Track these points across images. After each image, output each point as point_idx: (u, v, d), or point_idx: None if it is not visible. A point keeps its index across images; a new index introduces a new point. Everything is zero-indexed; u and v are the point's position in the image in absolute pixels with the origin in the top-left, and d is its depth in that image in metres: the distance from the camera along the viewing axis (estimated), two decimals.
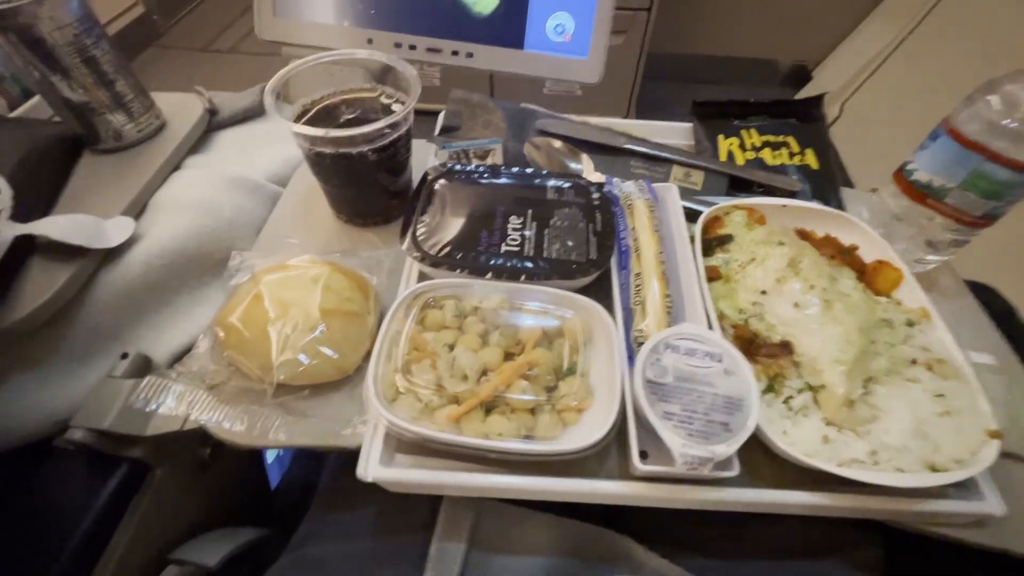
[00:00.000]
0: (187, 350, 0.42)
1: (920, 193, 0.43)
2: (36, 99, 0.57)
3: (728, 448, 0.29)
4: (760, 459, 0.34)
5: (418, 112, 0.44)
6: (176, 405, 0.32)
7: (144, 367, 0.40)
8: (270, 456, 0.60)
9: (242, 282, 0.40)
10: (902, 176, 0.45)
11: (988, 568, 0.36)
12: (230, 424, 0.32)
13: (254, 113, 0.61)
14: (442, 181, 0.46)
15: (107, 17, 2.16)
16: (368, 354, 0.38)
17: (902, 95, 1.66)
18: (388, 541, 0.39)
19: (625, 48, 1.69)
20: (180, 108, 0.57)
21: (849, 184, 1.59)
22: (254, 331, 0.35)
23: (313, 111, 0.45)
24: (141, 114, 0.52)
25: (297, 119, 0.44)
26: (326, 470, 0.50)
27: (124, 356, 0.39)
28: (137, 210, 0.47)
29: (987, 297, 0.50)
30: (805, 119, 0.56)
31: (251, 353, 0.35)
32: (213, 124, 0.59)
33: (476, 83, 1.62)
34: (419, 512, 0.40)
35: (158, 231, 0.45)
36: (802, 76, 2.13)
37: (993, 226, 0.43)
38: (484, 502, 0.38)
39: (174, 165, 0.52)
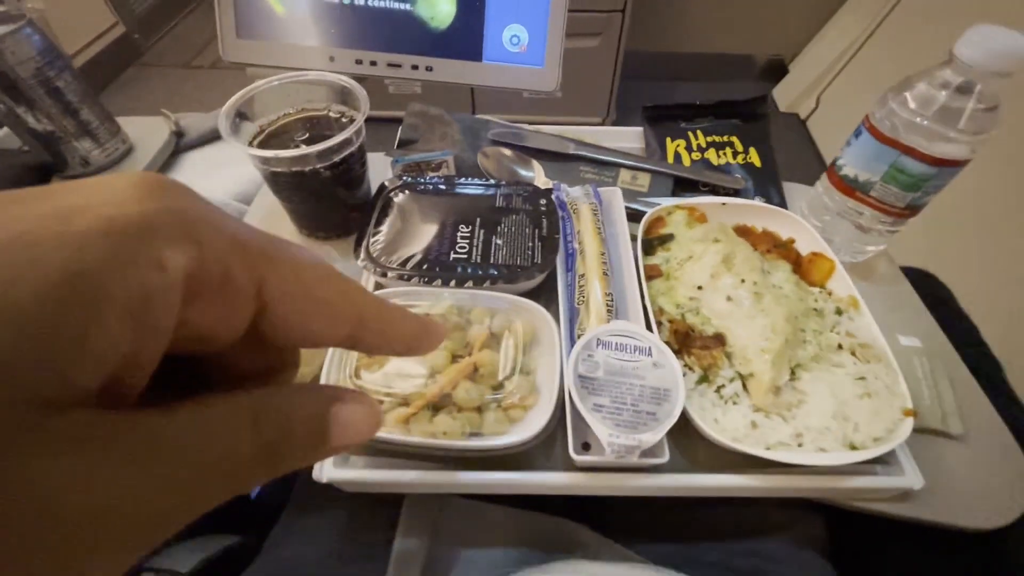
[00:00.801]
0: None
1: (848, 187, 0.45)
2: (4, 131, 0.59)
3: (654, 436, 0.32)
4: (697, 446, 0.36)
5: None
6: None
7: None
8: None
9: None
10: (833, 172, 0.47)
11: (924, 538, 0.38)
12: None
13: (220, 134, 0.63)
14: (397, 193, 0.48)
15: (88, 38, 2.18)
16: (323, 365, 0.40)
17: (876, 84, 1.68)
18: (355, 541, 0.41)
19: (601, 50, 1.71)
20: (147, 132, 0.58)
21: (825, 161, 1.61)
22: None
23: (269, 131, 0.47)
24: (107, 140, 0.54)
25: (254, 140, 0.46)
26: (299, 479, 0.52)
27: None
28: None
29: (925, 283, 0.52)
30: (748, 118, 0.58)
31: None
32: (181, 146, 0.60)
33: (457, 92, 1.64)
34: (386, 512, 0.42)
35: None
36: (779, 69, 2.16)
37: (934, 216, 0.45)
38: (447, 498, 0.40)
39: None
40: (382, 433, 0.34)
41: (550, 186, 0.51)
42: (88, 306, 0.09)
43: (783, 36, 2.13)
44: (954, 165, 0.40)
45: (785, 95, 2.08)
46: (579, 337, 0.40)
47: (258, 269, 0.12)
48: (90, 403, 0.10)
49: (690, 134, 0.57)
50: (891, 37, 1.73)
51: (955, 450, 0.39)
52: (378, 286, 0.43)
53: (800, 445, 0.35)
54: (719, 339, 0.39)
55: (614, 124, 1.94)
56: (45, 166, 0.53)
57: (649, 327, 0.39)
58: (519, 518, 0.41)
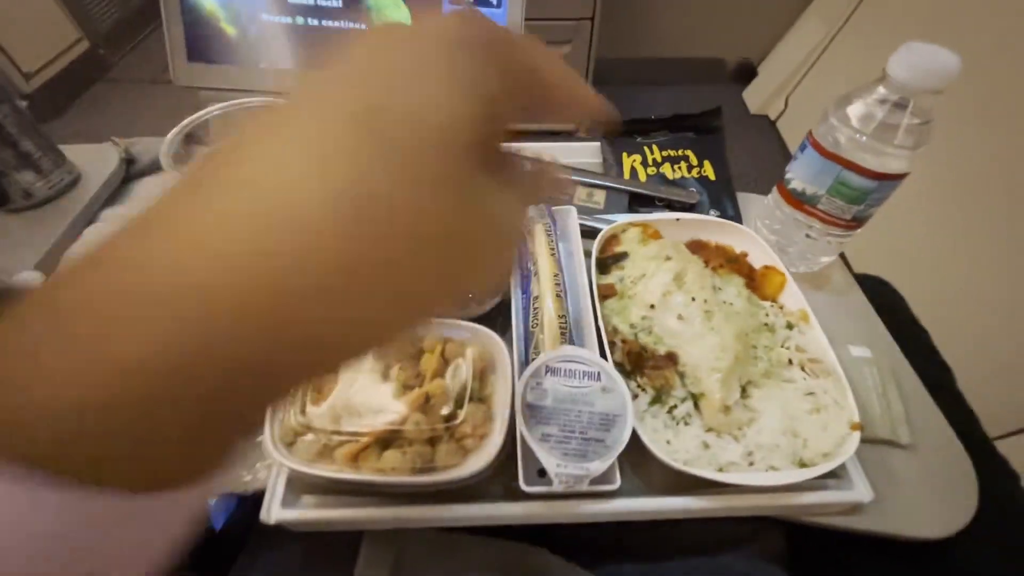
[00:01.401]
0: None
1: (797, 200, 0.46)
2: None
3: (602, 464, 0.31)
4: (650, 468, 0.36)
5: None
6: None
7: None
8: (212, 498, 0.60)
9: None
10: (783, 185, 0.48)
11: (883, 548, 0.38)
12: None
13: (178, 159, 0.62)
14: None
15: (52, 54, 2.12)
16: None
17: (843, 84, 1.71)
18: (316, 575, 0.40)
19: (572, 57, 1.72)
20: (95, 160, 0.57)
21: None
22: None
23: None
24: (51, 170, 0.52)
25: None
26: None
27: None
28: (50, 267, 0.47)
29: (880, 290, 0.53)
30: (703, 131, 0.58)
31: None
32: (132, 173, 0.59)
33: None
34: (347, 544, 0.41)
35: None
36: (748, 72, 2.19)
37: (888, 223, 0.45)
38: (408, 531, 0.39)
39: (88, 219, 0.52)
40: (330, 471, 0.33)
41: None
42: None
43: (751, 39, 2.16)
44: (894, 179, 0.41)
45: (755, 97, 2.11)
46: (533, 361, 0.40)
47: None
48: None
49: (646, 148, 0.57)
50: (856, 37, 1.77)
51: (905, 459, 0.39)
52: None
53: (751, 464, 0.35)
54: (671, 358, 0.39)
55: (588, 131, 1.95)
56: None
57: (602, 348, 0.39)
58: (481, 545, 0.41)
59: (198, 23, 0.61)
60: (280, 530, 0.46)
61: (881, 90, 0.39)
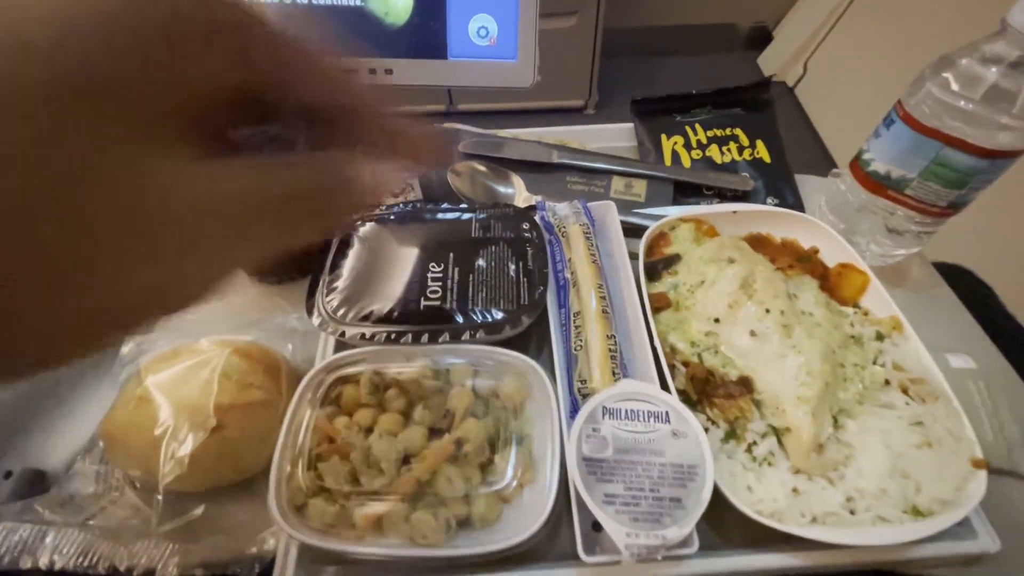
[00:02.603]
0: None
1: (878, 185, 0.39)
2: None
3: (681, 531, 0.26)
4: (727, 518, 0.30)
5: None
6: (39, 554, 0.28)
7: (35, 483, 0.35)
8: None
9: (131, 374, 0.35)
10: (859, 167, 0.40)
11: None
12: (106, 567, 0.27)
13: None
14: (356, 227, 0.41)
15: None
16: None
17: (865, 45, 1.62)
18: None
19: (578, 29, 1.63)
20: None
21: (825, 157, 1.53)
22: (139, 441, 0.31)
23: None
24: None
25: None
26: None
27: (7, 475, 0.35)
28: None
29: (962, 281, 0.46)
30: (752, 107, 0.51)
31: (137, 467, 0.31)
32: None
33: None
34: None
35: None
36: (763, 37, 2.08)
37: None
38: None
39: None
40: (347, 544, 0.28)
41: (533, 203, 0.45)
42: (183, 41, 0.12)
43: (765, 1, 2.05)
44: (1009, 156, 0.34)
45: (771, 63, 2.00)
46: (579, 392, 0.34)
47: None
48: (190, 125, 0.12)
49: (688, 129, 0.50)
50: None
51: None
52: (339, 347, 0.37)
53: (852, 512, 0.29)
54: (745, 384, 0.33)
55: (597, 106, 1.86)
56: None
57: (661, 373, 0.33)
58: None
59: None
60: None
61: (998, 46, 0.32)
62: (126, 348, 0.38)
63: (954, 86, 0.34)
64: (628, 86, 1.97)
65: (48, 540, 0.28)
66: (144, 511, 0.29)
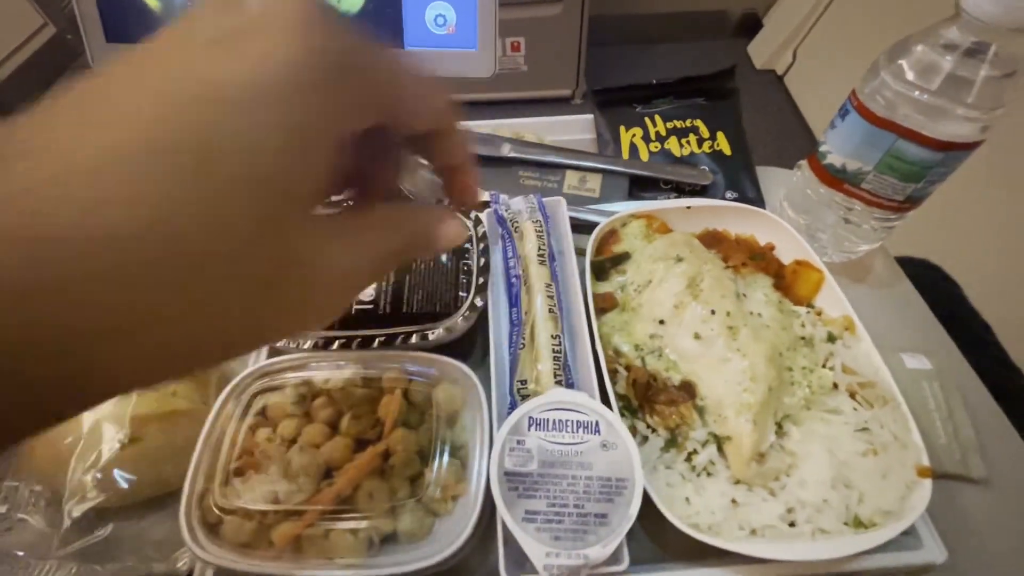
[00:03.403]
0: None
1: (835, 179, 0.37)
2: None
3: (604, 549, 0.24)
4: (666, 531, 0.29)
5: None
6: None
7: None
8: None
9: None
10: (816, 160, 0.39)
11: None
12: None
13: None
14: None
15: (16, 41, 2.01)
16: None
17: (854, 34, 1.60)
18: None
19: (564, 17, 1.59)
20: None
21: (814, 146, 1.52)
22: (47, 454, 0.29)
23: None
24: None
25: None
26: None
27: None
28: None
29: (928, 276, 0.45)
30: (715, 96, 0.49)
31: (45, 482, 0.29)
32: None
33: None
34: None
35: None
36: (753, 24, 2.05)
37: (938, 191, 0.37)
38: None
39: None
40: (258, 565, 0.26)
41: (484, 198, 0.43)
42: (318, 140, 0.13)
43: None
44: (965, 148, 0.32)
45: (761, 51, 1.98)
46: (518, 393, 0.33)
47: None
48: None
49: (647, 120, 0.48)
50: None
51: (979, 497, 0.32)
52: (273, 351, 0.35)
53: (792, 524, 0.28)
54: (688, 389, 0.31)
55: (584, 96, 1.83)
56: None
57: (600, 377, 0.32)
58: None
59: None
60: None
61: (952, 32, 0.30)
62: None
63: (909, 75, 0.32)
64: (616, 75, 1.95)
65: None
66: (47, 532, 0.28)
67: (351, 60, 0.13)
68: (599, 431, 0.27)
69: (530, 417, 0.27)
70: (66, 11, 2.19)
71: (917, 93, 0.32)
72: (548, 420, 0.27)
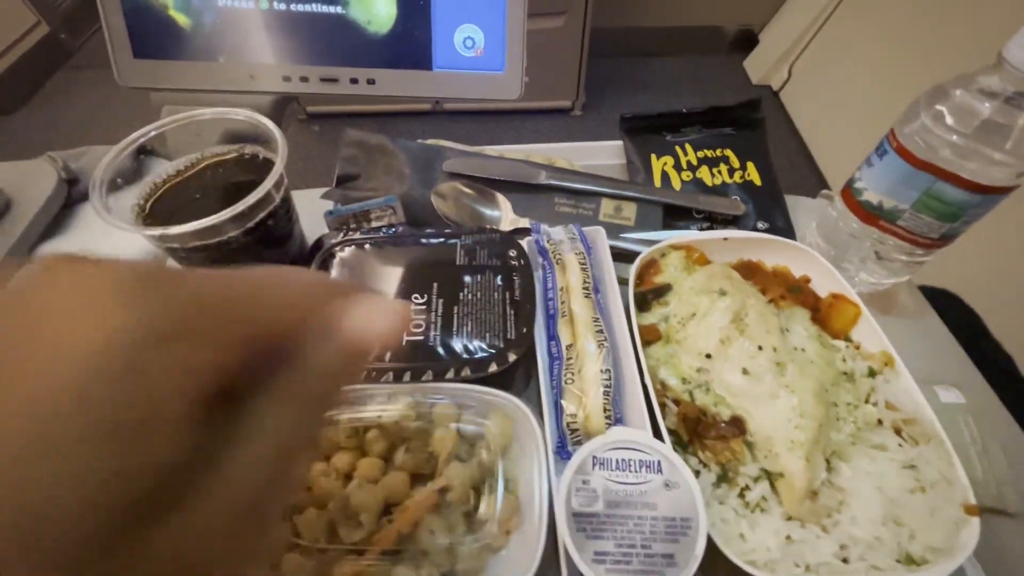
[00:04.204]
0: None
1: (870, 215, 0.38)
2: None
3: None
4: (718, 565, 0.29)
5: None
6: None
7: None
8: None
9: None
10: (851, 195, 0.40)
11: None
12: None
13: (127, 177, 0.53)
14: (337, 252, 0.39)
15: (8, 40, 1.98)
16: None
17: (849, 51, 1.63)
18: None
19: (567, 29, 1.61)
20: (27, 181, 0.48)
21: (811, 164, 1.54)
22: None
23: (164, 188, 0.38)
24: None
25: (146, 201, 0.37)
26: None
27: None
28: None
29: (949, 306, 0.46)
30: (743, 125, 0.50)
31: None
32: (75, 196, 0.50)
33: None
34: None
35: None
36: (749, 40, 2.09)
37: None
38: None
39: (21, 257, 0.44)
40: None
41: (521, 225, 0.43)
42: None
43: (752, 5, 2.07)
44: (1002, 192, 0.33)
45: (757, 67, 2.02)
46: (568, 427, 0.33)
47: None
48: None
49: (678, 149, 0.49)
50: (863, 1, 1.67)
51: (1015, 531, 0.33)
52: None
53: (845, 561, 0.28)
54: (737, 425, 0.32)
55: (584, 107, 1.85)
56: None
57: (651, 412, 0.32)
58: None
59: (143, 12, 0.52)
60: None
61: (993, 81, 0.32)
62: None
63: (948, 119, 0.33)
64: (615, 87, 1.97)
65: None
66: None
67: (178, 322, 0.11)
68: (661, 470, 0.28)
69: (594, 456, 0.28)
70: (60, 9, 2.16)
71: (956, 137, 0.33)
72: (611, 460, 0.28)
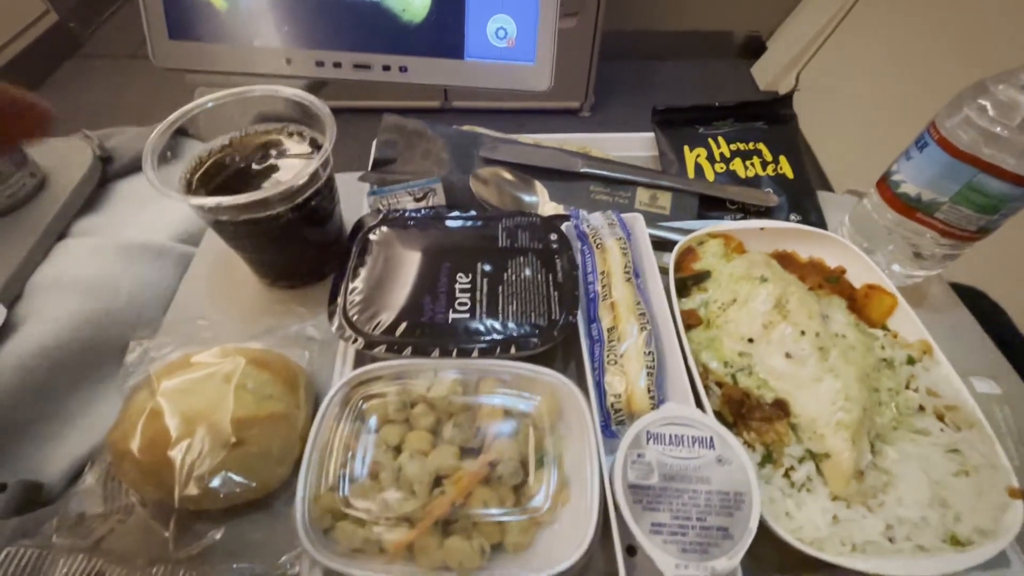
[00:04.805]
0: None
1: (908, 207, 0.39)
2: None
3: (730, 562, 0.25)
4: (764, 544, 0.29)
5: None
6: None
7: (32, 496, 0.33)
8: None
9: (139, 385, 0.33)
10: (887, 188, 0.40)
11: None
12: None
13: (166, 154, 0.53)
14: (377, 232, 0.40)
15: (16, 28, 1.97)
16: (298, 461, 0.32)
17: (856, 60, 1.65)
18: None
19: (578, 30, 1.63)
20: (64, 159, 0.48)
21: (818, 171, 1.55)
22: (152, 457, 0.29)
23: (210, 163, 0.38)
24: (11, 174, 0.44)
25: (192, 174, 0.37)
26: None
27: (2, 488, 0.32)
28: (12, 295, 0.39)
29: (976, 302, 0.47)
30: (773, 121, 0.51)
31: (150, 486, 0.29)
32: (109, 174, 0.50)
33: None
34: None
35: (38, 321, 0.38)
36: (757, 46, 2.11)
37: None
38: None
39: (57, 233, 0.44)
40: (377, 573, 0.26)
41: (559, 212, 0.44)
42: None
43: (760, 12, 2.09)
44: None
45: (764, 73, 2.03)
46: (612, 407, 0.33)
47: None
48: None
49: (711, 141, 0.49)
50: (870, 12, 1.69)
51: None
52: (359, 358, 0.35)
53: (891, 540, 0.29)
54: (781, 407, 0.32)
55: (592, 108, 1.86)
56: None
57: (696, 393, 0.33)
58: None
59: None
60: None
61: None
62: (132, 355, 0.35)
63: (991, 112, 0.34)
64: (623, 89, 1.98)
65: (56, 568, 0.26)
66: (156, 533, 0.28)
67: None
68: (714, 446, 0.28)
69: (648, 431, 0.28)
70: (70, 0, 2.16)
71: (999, 129, 0.33)
72: (665, 435, 0.28)
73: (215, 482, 0.29)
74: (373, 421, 0.32)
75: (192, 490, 0.28)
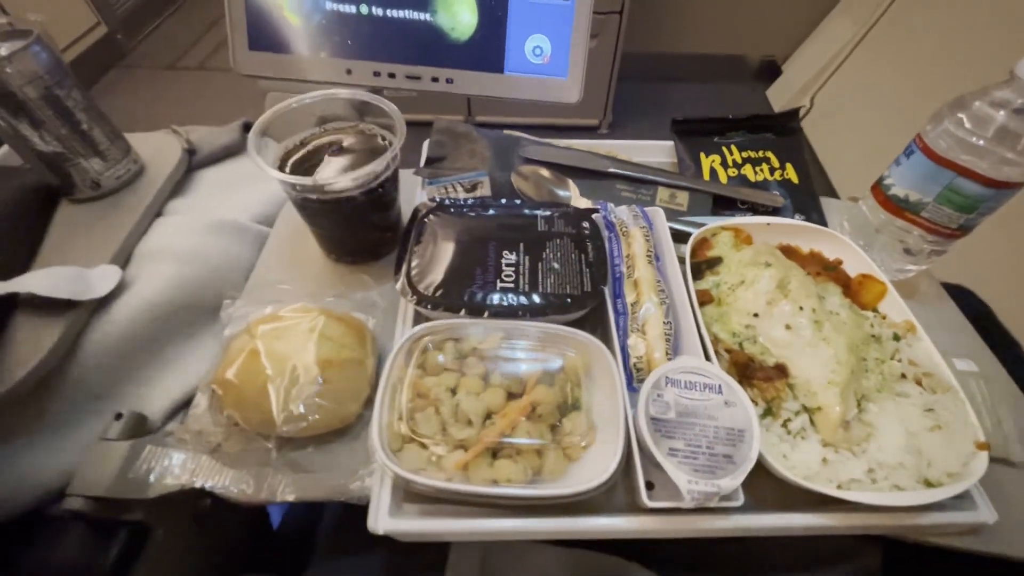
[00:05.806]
0: (181, 404, 0.42)
1: (897, 208, 0.44)
2: (4, 148, 0.56)
3: (733, 481, 0.30)
4: (763, 482, 0.35)
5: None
6: (179, 473, 0.32)
7: (139, 426, 0.39)
8: None
9: (236, 333, 0.39)
10: (880, 190, 0.46)
11: (976, 567, 0.37)
12: (237, 488, 0.32)
13: (235, 150, 0.60)
14: (433, 216, 0.46)
15: (69, 39, 2.11)
16: (369, 400, 0.38)
17: (869, 84, 1.71)
18: None
19: (599, 52, 1.70)
20: (158, 150, 0.55)
21: (828, 186, 1.61)
22: (252, 388, 0.35)
23: (299, 154, 0.45)
24: (118, 160, 0.51)
25: (282, 162, 0.44)
26: (328, 510, 0.50)
27: (118, 417, 0.39)
28: (122, 260, 0.46)
29: (964, 299, 0.52)
30: (782, 132, 0.57)
31: (251, 411, 0.35)
32: (193, 164, 0.58)
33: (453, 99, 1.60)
34: (428, 554, 0.40)
35: (143, 283, 0.44)
36: (772, 70, 2.17)
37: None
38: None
39: (156, 211, 0.51)
40: (442, 482, 0.32)
41: (590, 206, 0.50)
42: None
43: (776, 37, 2.15)
44: (1013, 187, 0.39)
45: (779, 96, 2.09)
46: (635, 367, 0.39)
47: None
48: None
49: (724, 149, 0.55)
50: (886, 37, 1.75)
51: (1017, 478, 0.38)
52: (418, 316, 0.41)
53: (874, 481, 0.34)
54: (781, 370, 0.38)
55: (610, 126, 1.93)
56: (51, 188, 0.50)
57: (707, 357, 0.38)
58: (569, 558, 0.40)
59: (261, 11, 0.60)
60: (352, 536, 0.45)
61: (1006, 93, 0.38)
62: (226, 310, 0.42)
63: (967, 124, 0.39)
64: (641, 109, 2.05)
65: (186, 463, 0.32)
66: (260, 444, 0.34)
67: None
68: (721, 392, 0.33)
69: (666, 376, 0.34)
70: (119, 13, 2.30)
71: (974, 139, 0.39)
72: (681, 380, 0.34)
73: (306, 410, 0.35)
74: (433, 366, 0.37)
75: (288, 415, 0.34)
